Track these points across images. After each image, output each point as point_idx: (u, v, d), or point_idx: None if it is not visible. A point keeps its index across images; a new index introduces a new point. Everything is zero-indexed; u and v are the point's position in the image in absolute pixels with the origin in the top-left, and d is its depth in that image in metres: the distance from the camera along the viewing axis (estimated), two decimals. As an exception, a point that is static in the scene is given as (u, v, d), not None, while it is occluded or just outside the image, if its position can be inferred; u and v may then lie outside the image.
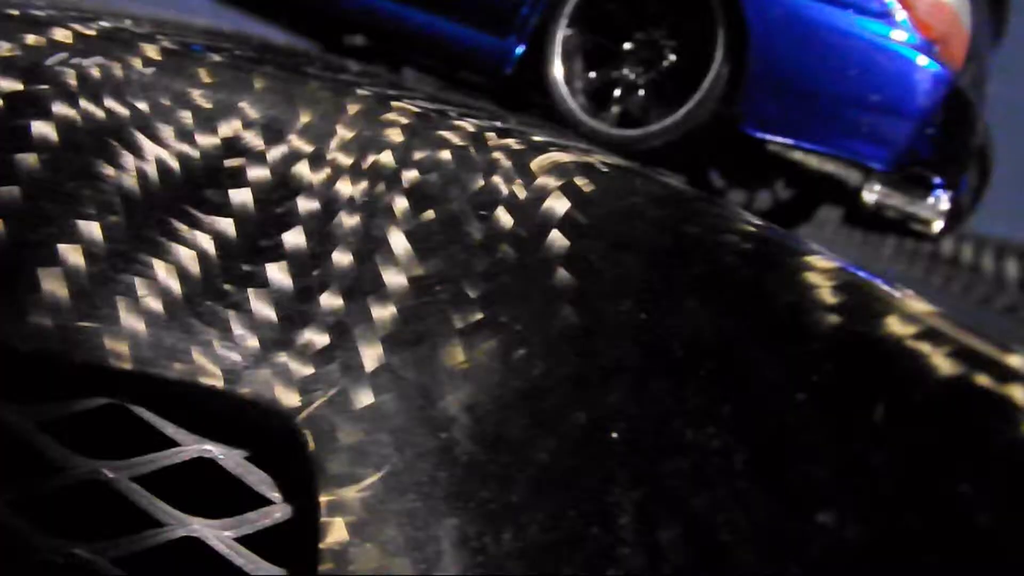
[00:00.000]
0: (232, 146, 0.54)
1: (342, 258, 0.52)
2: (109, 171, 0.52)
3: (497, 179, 0.52)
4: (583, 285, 0.48)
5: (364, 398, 0.48)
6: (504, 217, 0.51)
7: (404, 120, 0.55)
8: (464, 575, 0.43)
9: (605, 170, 0.52)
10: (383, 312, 0.50)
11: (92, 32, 0.57)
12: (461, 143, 0.54)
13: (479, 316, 0.49)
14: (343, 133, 0.54)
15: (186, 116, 0.55)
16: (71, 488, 0.46)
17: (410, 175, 0.53)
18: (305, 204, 0.53)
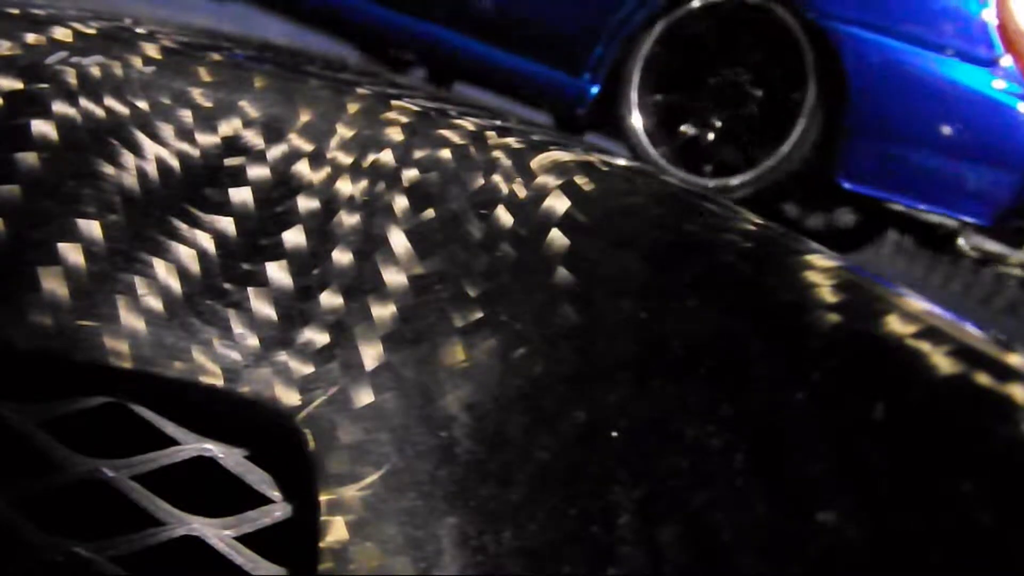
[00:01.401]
0: (232, 145, 0.54)
1: (342, 257, 0.52)
2: (109, 170, 0.53)
3: (497, 178, 0.52)
4: (583, 284, 0.48)
5: (364, 397, 0.48)
6: (504, 216, 0.51)
7: (404, 119, 0.55)
8: (464, 574, 0.43)
9: (605, 169, 0.52)
10: (383, 311, 0.50)
11: (92, 31, 0.57)
12: (461, 142, 0.54)
13: (479, 315, 0.49)
14: (343, 132, 0.54)
15: (186, 115, 0.55)
16: (71, 487, 0.46)
17: (410, 174, 0.53)
18: (305, 203, 0.53)
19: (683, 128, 3.69)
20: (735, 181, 3.54)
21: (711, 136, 3.66)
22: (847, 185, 3.33)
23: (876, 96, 3.38)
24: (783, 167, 3.47)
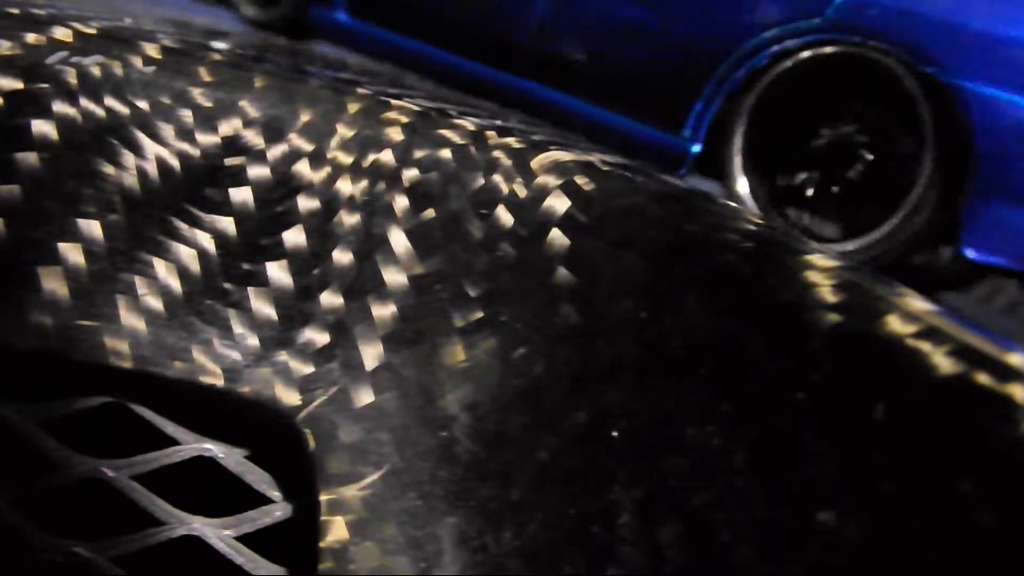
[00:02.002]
0: (232, 144, 0.54)
1: (342, 257, 0.52)
2: (109, 170, 0.53)
3: (497, 178, 0.52)
4: (583, 284, 0.48)
5: (364, 397, 0.48)
6: (504, 216, 0.51)
7: (404, 119, 0.55)
8: (464, 574, 0.43)
9: (606, 168, 0.52)
10: (383, 311, 0.50)
11: (92, 31, 0.57)
12: (461, 141, 0.54)
13: (479, 315, 0.49)
14: (343, 132, 0.54)
15: (186, 115, 0.55)
16: (71, 486, 0.46)
17: (410, 174, 0.53)
18: (305, 203, 0.53)
19: (791, 188, 3.48)
20: (850, 247, 3.33)
21: (821, 199, 3.46)
22: (973, 255, 3.14)
23: (1009, 159, 3.18)
24: (900, 234, 3.27)
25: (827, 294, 0.43)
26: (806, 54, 3.41)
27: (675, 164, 3.72)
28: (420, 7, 4.41)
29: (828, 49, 3.36)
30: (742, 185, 3.53)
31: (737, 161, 3.53)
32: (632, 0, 3.82)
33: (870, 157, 3.34)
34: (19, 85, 0.53)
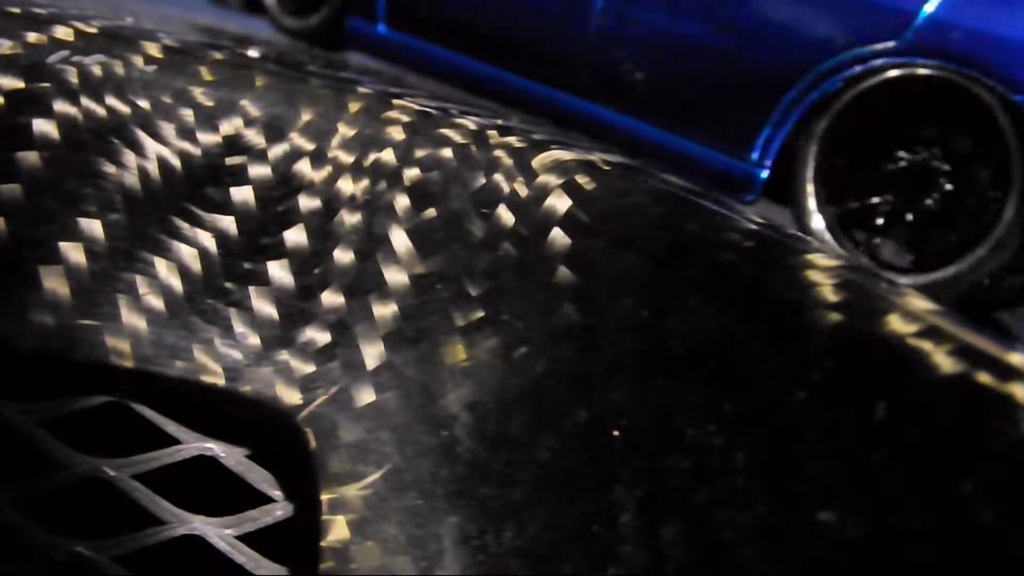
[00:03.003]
0: (233, 144, 0.54)
1: (343, 256, 0.52)
2: (110, 169, 0.53)
3: (498, 177, 0.52)
4: (584, 283, 0.48)
5: (365, 396, 0.48)
6: (505, 215, 0.51)
7: (405, 118, 0.55)
8: (465, 574, 0.43)
9: (606, 168, 0.52)
10: (384, 310, 0.50)
11: (93, 30, 0.57)
12: (463, 141, 0.54)
13: (480, 314, 0.49)
14: (344, 131, 0.54)
15: (187, 114, 0.55)
16: (72, 486, 0.46)
17: (411, 173, 0.53)
18: (306, 202, 0.53)
19: (862, 212, 3.28)
20: (923, 280, 3.13)
21: (895, 227, 3.25)
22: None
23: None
24: (980, 270, 3.08)
25: (828, 293, 0.43)
26: (883, 77, 3.22)
27: (742, 189, 3.50)
28: (465, 19, 4.21)
29: (907, 72, 3.19)
30: (817, 220, 3.32)
31: (808, 188, 3.33)
32: (696, 17, 3.61)
33: (949, 186, 3.16)
34: (20, 84, 0.53)
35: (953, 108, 3.13)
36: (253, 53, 0.63)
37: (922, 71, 3.15)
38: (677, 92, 3.68)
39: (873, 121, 3.26)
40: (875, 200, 3.42)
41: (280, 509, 0.48)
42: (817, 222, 3.36)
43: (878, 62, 3.21)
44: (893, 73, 3.18)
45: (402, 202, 0.52)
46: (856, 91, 3.24)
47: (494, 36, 4.10)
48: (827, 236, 3.38)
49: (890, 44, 3.20)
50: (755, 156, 3.49)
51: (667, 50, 3.67)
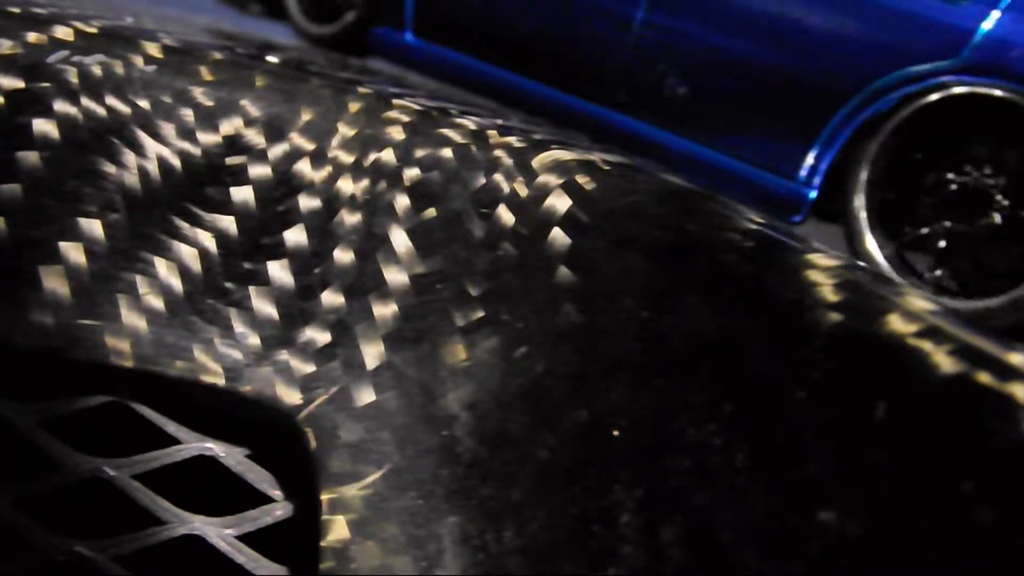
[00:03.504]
0: (233, 144, 0.54)
1: (343, 256, 0.52)
2: (110, 169, 0.53)
3: (499, 177, 0.52)
4: (584, 283, 0.48)
5: (365, 396, 0.48)
6: (505, 215, 0.51)
7: (405, 118, 0.55)
8: (465, 573, 0.43)
9: (606, 167, 0.52)
10: (384, 310, 0.50)
11: (94, 30, 0.57)
12: (463, 141, 0.54)
13: (480, 314, 0.49)
14: (344, 131, 0.54)
15: (187, 114, 0.55)
16: (72, 486, 0.46)
17: (411, 173, 0.53)
18: (306, 202, 0.53)
19: (920, 239, 3.16)
20: (992, 303, 3.03)
21: (955, 250, 3.15)
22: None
23: None
24: None
25: (828, 293, 0.43)
26: (942, 95, 3.09)
27: (790, 210, 3.36)
28: (497, 29, 4.06)
29: (966, 91, 3.07)
30: (869, 242, 3.21)
31: (861, 214, 3.23)
32: (742, 32, 3.47)
33: (1006, 202, 3.07)
34: (20, 84, 0.53)
35: (1005, 126, 3.06)
36: (272, 59, 0.63)
37: (981, 90, 3.05)
38: (721, 109, 3.55)
39: (924, 140, 3.16)
40: (932, 224, 3.25)
41: (280, 509, 0.48)
42: (875, 251, 3.24)
43: (934, 80, 3.12)
44: (953, 91, 3.10)
45: (402, 202, 0.52)
46: (909, 110, 3.15)
47: (528, 47, 3.98)
48: (884, 264, 3.25)
49: (946, 63, 3.11)
50: (803, 175, 3.38)
51: (711, 66, 3.54)
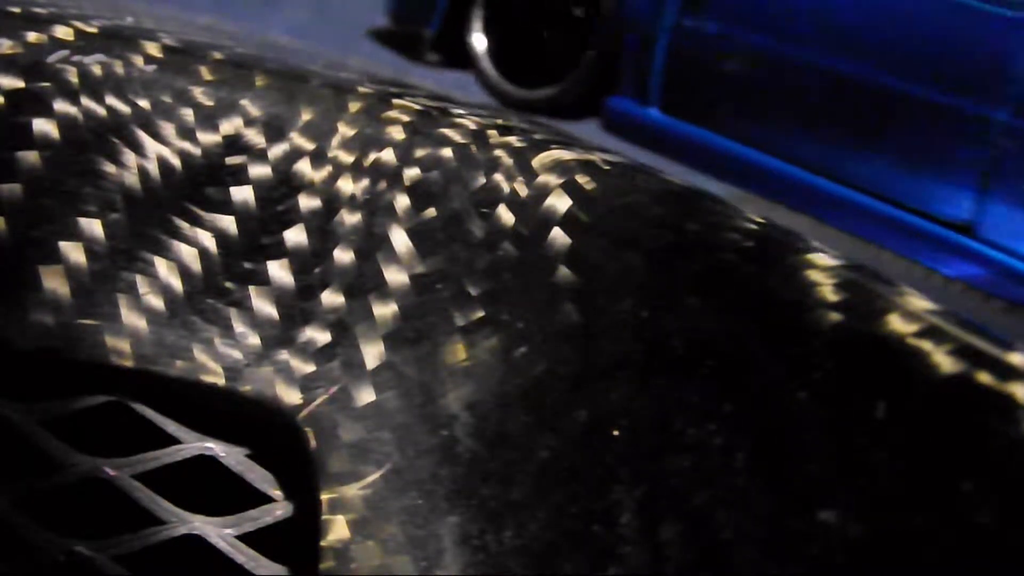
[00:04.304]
0: (233, 143, 0.54)
1: (343, 256, 0.52)
2: (110, 168, 0.53)
3: (499, 177, 0.52)
4: (584, 283, 0.48)
5: (365, 395, 0.48)
6: (506, 215, 0.51)
7: (406, 118, 0.55)
8: (465, 573, 0.43)
9: (607, 167, 0.52)
10: (384, 310, 0.50)
11: (94, 29, 0.57)
12: (463, 140, 0.54)
13: (480, 314, 0.49)
14: (344, 131, 0.54)
15: (187, 113, 0.55)
16: (72, 485, 0.46)
17: (412, 173, 0.53)
18: (306, 202, 0.53)
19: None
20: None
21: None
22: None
23: None
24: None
25: (828, 293, 0.43)
26: None
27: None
28: (769, 112, 3.35)
29: None
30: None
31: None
32: None
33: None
34: (20, 84, 0.53)
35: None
36: (251, 52, 0.63)
37: None
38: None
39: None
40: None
41: (280, 509, 0.48)
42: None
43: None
44: None
45: (402, 202, 0.52)
46: None
47: (812, 137, 3.31)
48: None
49: None
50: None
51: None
